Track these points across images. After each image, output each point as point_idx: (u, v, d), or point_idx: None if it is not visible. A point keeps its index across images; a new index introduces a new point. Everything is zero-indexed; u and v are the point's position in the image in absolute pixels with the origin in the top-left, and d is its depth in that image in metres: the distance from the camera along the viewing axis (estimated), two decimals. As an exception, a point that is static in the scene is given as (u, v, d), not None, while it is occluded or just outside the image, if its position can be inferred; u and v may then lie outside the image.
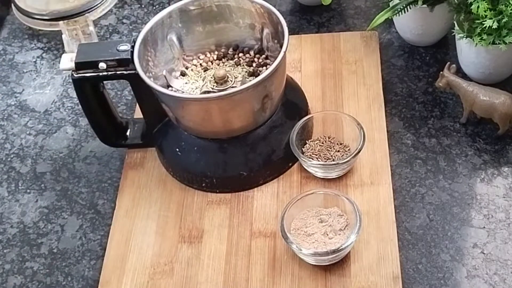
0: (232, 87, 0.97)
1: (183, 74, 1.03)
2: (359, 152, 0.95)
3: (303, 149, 0.99)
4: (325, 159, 0.97)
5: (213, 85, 0.98)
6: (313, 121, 1.00)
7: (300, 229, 0.90)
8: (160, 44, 1.00)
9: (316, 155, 0.97)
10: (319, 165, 0.96)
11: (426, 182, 0.97)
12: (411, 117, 1.05)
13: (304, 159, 0.96)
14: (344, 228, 0.90)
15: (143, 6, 1.30)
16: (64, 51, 1.21)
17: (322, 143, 0.99)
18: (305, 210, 0.92)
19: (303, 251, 0.87)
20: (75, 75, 0.96)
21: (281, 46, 0.94)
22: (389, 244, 0.91)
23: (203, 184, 0.99)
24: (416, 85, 1.09)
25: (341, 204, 0.91)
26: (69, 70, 0.96)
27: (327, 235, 0.89)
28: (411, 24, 1.11)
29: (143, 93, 0.97)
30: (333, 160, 0.96)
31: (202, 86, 0.99)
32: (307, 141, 1.00)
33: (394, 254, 0.90)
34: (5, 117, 1.16)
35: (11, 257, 0.98)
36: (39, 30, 1.28)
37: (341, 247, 0.86)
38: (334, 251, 0.86)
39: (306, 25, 1.21)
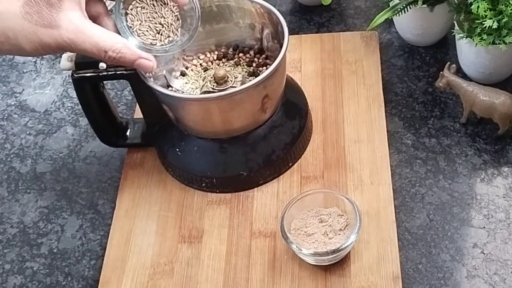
0: (232, 87, 0.97)
1: (183, 74, 1.03)
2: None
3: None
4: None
5: (213, 85, 0.98)
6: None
7: (300, 229, 0.90)
8: (160, 44, 1.00)
9: None
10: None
11: (426, 182, 0.97)
12: (411, 117, 1.05)
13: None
14: (344, 228, 0.89)
15: (143, 6, 1.30)
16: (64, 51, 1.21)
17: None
18: (305, 210, 0.92)
19: (303, 251, 0.87)
20: (75, 75, 0.96)
21: (281, 46, 0.94)
22: (389, 244, 0.91)
23: (203, 184, 0.99)
24: (416, 85, 1.09)
25: (341, 204, 0.91)
26: (69, 70, 0.96)
27: (327, 235, 0.89)
28: (411, 24, 1.11)
29: (143, 93, 0.97)
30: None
31: (202, 86, 0.99)
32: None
33: (394, 254, 0.90)
34: (5, 117, 1.16)
35: (11, 257, 0.98)
36: (39, 30, 1.28)
37: (341, 247, 0.86)
38: (334, 251, 0.86)
39: (306, 25, 1.21)
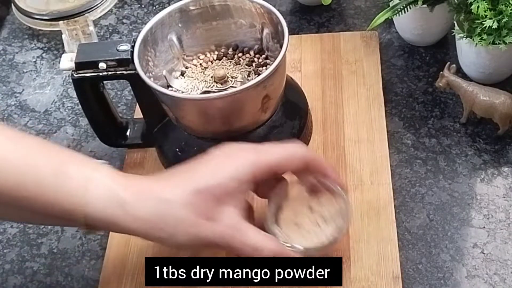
0: (232, 87, 0.97)
1: (183, 74, 1.03)
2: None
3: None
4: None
5: (213, 85, 0.98)
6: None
7: (289, 219, 0.87)
8: (160, 44, 1.00)
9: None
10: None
11: (426, 182, 0.97)
12: (411, 117, 1.05)
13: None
14: (335, 217, 0.87)
15: (143, 6, 1.30)
16: (64, 51, 1.21)
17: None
18: (291, 200, 0.88)
19: (292, 247, 0.84)
20: (75, 75, 0.96)
21: (281, 46, 0.94)
22: (389, 244, 0.90)
23: (203, 184, 0.98)
24: (416, 85, 1.09)
25: (329, 192, 0.88)
26: (69, 70, 0.96)
27: (318, 224, 0.86)
28: (411, 24, 1.11)
29: (143, 93, 0.97)
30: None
31: (202, 86, 0.99)
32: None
33: (394, 254, 0.89)
34: (5, 117, 1.16)
35: (11, 257, 0.98)
36: (39, 30, 1.28)
37: (332, 240, 0.84)
38: (324, 247, 0.84)
39: (306, 25, 1.21)
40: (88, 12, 1.22)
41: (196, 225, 0.77)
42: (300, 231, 0.86)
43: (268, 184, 0.85)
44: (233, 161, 0.80)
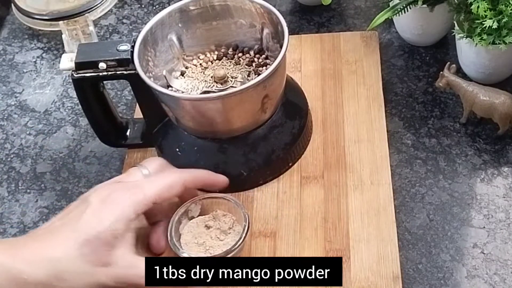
0: (232, 87, 0.97)
1: (183, 74, 1.03)
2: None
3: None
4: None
5: (213, 85, 0.98)
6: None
7: (191, 242, 0.89)
8: (160, 44, 1.00)
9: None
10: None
11: (426, 182, 0.97)
12: (411, 117, 1.05)
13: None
14: (233, 226, 0.89)
15: (143, 6, 1.30)
16: (64, 51, 1.21)
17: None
18: (188, 225, 0.91)
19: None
20: (75, 75, 0.96)
21: (281, 46, 0.94)
22: (389, 244, 0.90)
23: (203, 184, 0.99)
24: (416, 85, 1.09)
25: (222, 204, 0.91)
26: (69, 70, 0.96)
27: (218, 238, 0.89)
28: (411, 24, 1.11)
29: (143, 93, 0.97)
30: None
31: (202, 86, 0.99)
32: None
33: (394, 254, 0.90)
34: (5, 117, 1.16)
35: (11, 257, 0.98)
36: (39, 30, 1.28)
37: (236, 244, 0.86)
38: (227, 252, 0.86)
39: (306, 25, 1.21)
40: (88, 12, 1.22)
41: (92, 273, 0.78)
42: (205, 248, 0.88)
43: (158, 210, 0.87)
44: (113, 205, 0.81)
